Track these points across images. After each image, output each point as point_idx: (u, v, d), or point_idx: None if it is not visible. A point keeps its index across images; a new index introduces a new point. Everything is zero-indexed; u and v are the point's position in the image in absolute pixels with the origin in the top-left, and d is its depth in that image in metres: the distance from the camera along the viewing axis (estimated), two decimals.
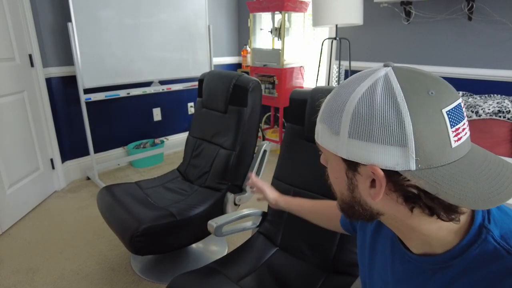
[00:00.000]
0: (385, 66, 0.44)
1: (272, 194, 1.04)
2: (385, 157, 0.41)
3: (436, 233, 0.45)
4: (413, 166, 0.40)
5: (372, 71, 0.44)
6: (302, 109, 1.26)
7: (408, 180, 0.41)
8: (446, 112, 0.40)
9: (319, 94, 1.21)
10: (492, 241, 0.43)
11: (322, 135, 0.48)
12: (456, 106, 0.41)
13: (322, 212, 0.91)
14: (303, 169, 1.26)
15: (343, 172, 0.47)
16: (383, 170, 0.42)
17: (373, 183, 0.44)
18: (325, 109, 0.48)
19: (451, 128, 0.40)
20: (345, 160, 0.45)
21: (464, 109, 0.43)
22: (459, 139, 0.41)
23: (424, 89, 0.41)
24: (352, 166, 0.45)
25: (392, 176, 0.42)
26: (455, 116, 0.40)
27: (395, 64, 0.45)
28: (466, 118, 0.43)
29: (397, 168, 0.41)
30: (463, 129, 0.42)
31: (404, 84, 0.41)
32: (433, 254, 0.47)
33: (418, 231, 0.46)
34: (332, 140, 0.46)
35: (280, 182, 1.33)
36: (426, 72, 0.44)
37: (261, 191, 1.05)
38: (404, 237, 0.51)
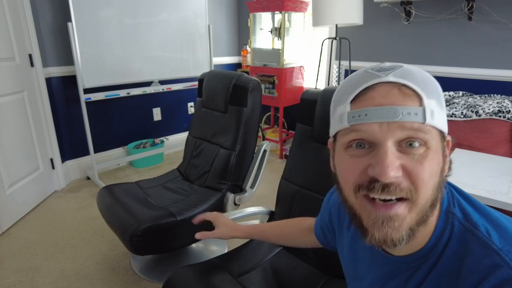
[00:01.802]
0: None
1: (226, 227, 0.94)
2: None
3: (431, 222, 0.46)
4: None
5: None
6: (312, 110, 1.25)
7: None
8: None
9: (330, 94, 1.20)
10: (457, 224, 0.45)
11: (436, 113, 0.43)
12: None
13: (291, 228, 0.88)
14: (311, 170, 1.26)
15: (441, 153, 0.45)
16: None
17: (445, 155, 0.46)
18: (425, 85, 0.43)
19: None
20: (443, 136, 0.45)
21: None
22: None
23: None
24: (444, 140, 0.46)
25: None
26: None
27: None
28: None
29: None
30: None
31: None
32: (418, 250, 0.48)
33: (428, 222, 0.46)
34: (442, 115, 0.44)
35: (288, 183, 1.33)
36: None
37: (215, 222, 0.96)
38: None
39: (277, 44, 3.19)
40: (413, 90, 0.42)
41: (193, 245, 1.88)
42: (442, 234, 0.45)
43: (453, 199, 0.48)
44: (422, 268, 0.47)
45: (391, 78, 0.43)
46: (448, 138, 0.47)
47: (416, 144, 0.41)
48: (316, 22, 2.36)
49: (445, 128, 0.45)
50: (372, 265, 0.55)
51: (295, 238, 0.87)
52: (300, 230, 0.86)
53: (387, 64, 0.46)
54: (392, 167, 0.40)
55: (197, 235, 0.93)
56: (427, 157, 0.42)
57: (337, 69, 2.87)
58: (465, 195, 0.49)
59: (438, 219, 0.46)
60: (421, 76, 0.44)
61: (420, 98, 0.42)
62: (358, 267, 0.60)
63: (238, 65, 3.81)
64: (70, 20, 2.22)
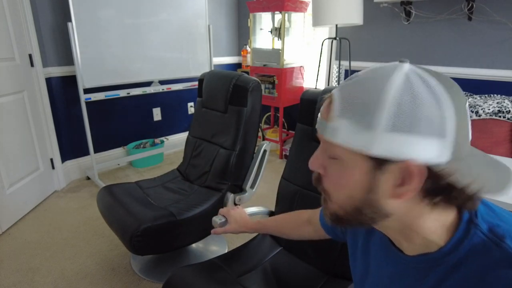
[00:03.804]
0: (400, 62, 0.45)
1: (236, 223, 0.98)
2: (425, 150, 0.39)
3: (435, 231, 0.46)
4: (446, 158, 0.40)
5: (394, 65, 0.45)
6: (312, 110, 1.25)
7: (442, 173, 0.41)
8: (467, 106, 0.44)
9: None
10: (481, 235, 0.44)
11: (344, 132, 0.43)
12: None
13: (289, 223, 0.92)
14: (311, 170, 1.26)
15: (364, 172, 0.43)
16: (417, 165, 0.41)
17: (403, 180, 0.42)
18: (348, 103, 0.43)
19: (469, 121, 0.44)
20: (372, 158, 0.42)
21: None
22: (471, 133, 0.45)
23: (451, 85, 0.43)
24: (381, 163, 0.42)
25: (428, 170, 0.41)
26: (469, 111, 0.45)
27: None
28: None
29: (433, 160, 0.40)
30: None
31: (436, 77, 0.43)
32: (427, 253, 0.47)
33: (420, 231, 0.46)
34: (360, 136, 0.41)
35: (288, 183, 1.33)
36: None
37: (229, 218, 1.00)
38: (402, 238, 0.50)
39: (277, 44, 3.19)
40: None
41: (193, 245, 1.88)
42: (460, 243, 0.45)
43: (476, 210, 0.46)
44: (435, 273, 0.46)
45: (335, 90, 0.46)
46: (405, 164, 0.41)
47: (330, 153, 0.47)
48: (316, 22, 2.36)
49: (370, 150, 0.41)
50: (384, 262, 0.56)
51: (294, 232, 0.92)
52: (298, 224, 0.90)
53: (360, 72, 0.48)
54: (314, 160, 0.50)
55: (213, 232, 0.99)
56: (332, 167, 0.48)
57: (337, 69, 2.87)
58: (490, 206, 0.48)
59: (457, 228, 0.45)
60: (355, 94, 0.43)
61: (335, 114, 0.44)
62: (370, 261, 0.60)
63: (238, 65, 3.81)
64: (70, 20, 2.22)
